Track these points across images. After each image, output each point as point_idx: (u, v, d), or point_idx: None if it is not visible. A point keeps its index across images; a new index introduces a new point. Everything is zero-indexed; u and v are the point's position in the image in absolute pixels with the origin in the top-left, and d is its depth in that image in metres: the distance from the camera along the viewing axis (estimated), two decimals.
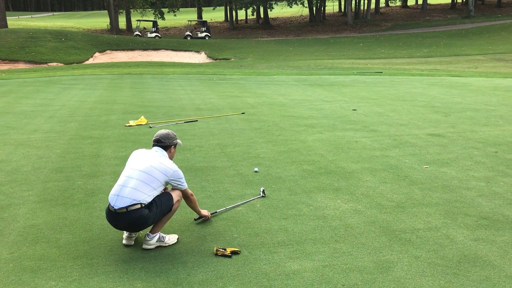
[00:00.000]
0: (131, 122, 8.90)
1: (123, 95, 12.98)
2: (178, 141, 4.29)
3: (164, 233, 4.06)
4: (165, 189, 4.13)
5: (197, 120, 9.12)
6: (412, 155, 6.65)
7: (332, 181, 5.55)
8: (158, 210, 3.89)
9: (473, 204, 4.85)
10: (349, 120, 9.03)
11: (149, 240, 3.93)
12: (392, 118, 9.19)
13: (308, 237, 4.11)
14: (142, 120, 8.99)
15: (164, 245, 3.98)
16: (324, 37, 47.23)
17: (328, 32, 52.97)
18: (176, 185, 4.06)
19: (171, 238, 4.06)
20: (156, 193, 3.91)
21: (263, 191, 5.14)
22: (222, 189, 5.31)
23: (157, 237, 3.95)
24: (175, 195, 4.06)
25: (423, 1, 64.46)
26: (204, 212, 4.43)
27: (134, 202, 3.76)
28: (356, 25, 55.19)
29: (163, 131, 4.20)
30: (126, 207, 3.75)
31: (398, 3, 70.66)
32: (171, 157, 4.20)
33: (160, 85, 15.12)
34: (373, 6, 63.28)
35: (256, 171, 5.92)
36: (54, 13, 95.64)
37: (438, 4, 70.56)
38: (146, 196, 3.82)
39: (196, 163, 6.25)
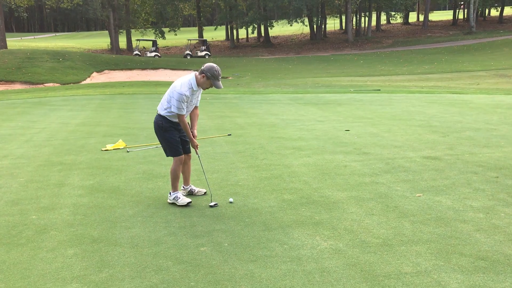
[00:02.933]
0: (108, 146, 8.39)
1: (109, 116, 12.51)
2: (216, 82, 5.07)
3: None
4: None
5: None
6: (404, 181, 6.08)
7: (313, 213, 4.98)
8: (161, 138, 5.35)
9: (469, 240, 4.27)
10: (340, 142, 8.49)
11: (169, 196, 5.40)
12: (386, 139, 8.64)
13: (277, 285, 3.54)
14: (120, 143, 8.48)
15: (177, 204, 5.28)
16: (325, 55, 46.97)
17: (329, 50, 52.75)
18: (172, 102, 5.07)
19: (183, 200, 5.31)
20: (169, 109, 5.15)
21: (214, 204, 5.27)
22: (188, 225, 4.75)
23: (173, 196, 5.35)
24: (174, 160, 5.33)
25: (424, 18, 64.34)
26: (194, 139, 5.35)
27: (158, 110, 5.31)
28: (357, 42, 54.98)
29: (210, 63, 5.08)
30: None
31: (399, 20, 70.60)
32: (199, 83, 5.10)
33: (150, 106, 14.65)
34: (374, 23, 63.22)
35: (231, 202, 5.36)
36: (57, 34, 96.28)
37: (440, 21, 70.48)
38: (162, 108, 5.24)
39: (167, 192, 5.69)
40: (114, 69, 37.19)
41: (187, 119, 5.36)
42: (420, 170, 6.55)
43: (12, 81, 30.47)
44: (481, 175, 6.27)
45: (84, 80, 32.97)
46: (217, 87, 5.15)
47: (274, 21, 61.06)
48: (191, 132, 5.37)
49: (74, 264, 3.92)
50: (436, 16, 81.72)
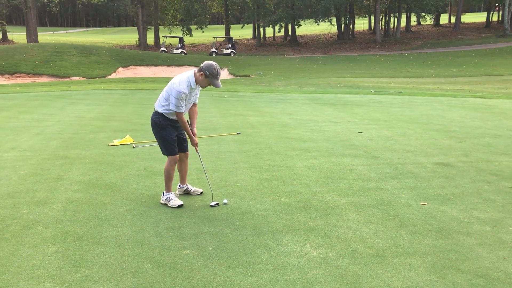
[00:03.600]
0: (115, 142, 8.33)
1: (123, 111, 12.51)
2: (214, 81, 4.92)
3: None
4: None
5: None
6: (410, 188, 5.80)
7: (308, 219, 4.77)
8: (157, 135, 5.21)
9: (470, 255, 3.99)
10: (351, 145, 8.22)
11: (162, 196, 5.25)
12: (399, 143, 8.32)
13: None
14: (127, 139, 8.41)
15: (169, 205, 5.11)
16: (351, 55, 46.34)
17: (356, 50, 52.05)
18: (171, 100, 4.94)
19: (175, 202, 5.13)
20: (166, 106, 5.01)
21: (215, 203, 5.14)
22: (176, 225, 4.60)
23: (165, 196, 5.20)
24: (168, 160, 5.20)
25: (456, 19, 62.87)
26: (194, 137, 5.24)
27: (155, 106, 5.17)
28: (385, 43, 54.08)
29: (209, 61, 4.95)
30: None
31: (430, 22, 69.08)
32: (197, 80, 4.95)
33: None
34: (403, 24, 62.09)
35: (225, 203, 5.20)
36: (88, 29, 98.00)
37: (472, 23, 68.63)
38: (160, 105, 5.09)
39: (163, 191, 5.56)
40: (139, 65, 37.51)
41: (186, 117, 5.23)
42: (429, 177, 6.25)
43: (40, 74, 31.05)
44: (494, 185, 5.93)
45: (110, 75, 33.36)
46: (216, 86, 4.99)
47: (301, 20, 60.58)
48: (191, 130, 5.22)
49: (52, 263, 3.82)
50: (469, 18, 79.61)
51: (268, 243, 4.21)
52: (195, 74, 4.98)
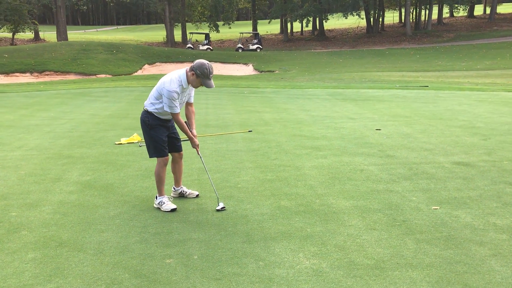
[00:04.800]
0: (122, 140, 8.17)
1: (139, 109, 12.29)
2: (206, 81, 4.63)
3: None
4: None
5: None
6: (423, 190, 5.37)
7: (306, 225, 4.44)
8: (146, 136, 4.91)
9: (480, 268, 3.58)
10: (365, 143, 7.80)
11: (155, 200, 4.98)
12: (418, 141, 7.85)
13: None
14: (135, 137, 8.23)
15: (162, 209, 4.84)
16: (380, 49, 45.28)
17: (385, 44, 50.86)
18: (164, 101, 4.66)
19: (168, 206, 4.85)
20: (157, 105, 4.74)
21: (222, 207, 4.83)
22: (165, 231, 4.34)
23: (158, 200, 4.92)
24: (157, 162, 4.92)
25: (491, 10, 60.62)
26: (194, 138, 4.92)
27: (145, 105, 4.89)
28: (416, 36, 52.63)
29: (201, 60, 4.67)
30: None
31: (463, 13, 66.87)
32: (189, 80, 4.67)
33: None
34: (435, 16, 60.33)
35: (223, 208, 4.88)
36: (118, 27, 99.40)
37: (509, 13, 66.06)
38: (149, 103, 4.82)
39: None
40: (165, 62, 37.63)
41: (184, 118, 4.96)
42: (445, 178, 5.80)
43: (67, 72, 31.52)
44: None
45: (136, 72, 33.57)
46: (208, 86, 4.68)
47: (329, 14, 59.65)
48: (190, 131, 4.93)
49: (27, 271, 3.61)
50: (506, 8, 76.71)
51: (258, 251, 3.90)
52: (186, 73, 4.70)
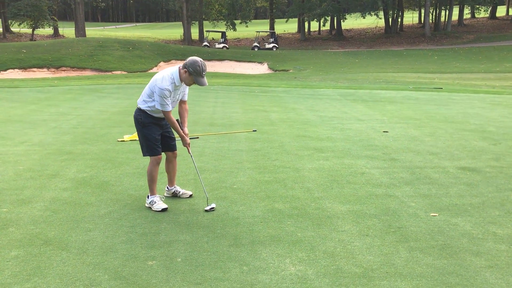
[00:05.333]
0: (125, 137, 8.14)
1: None
2: (199, 79, 4.53)
3: None
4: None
5: (198, 138, 8.17)
6: (424, 196, 5.20)
7: (297, 229, 4.31)
8: (139, 134, 4.86)
9: (474, 280, 3.42)
10: (370, 145, 7.63)
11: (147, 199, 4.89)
12: (425, 144, 7.65)
13: None
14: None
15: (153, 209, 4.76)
16: (398, 49, 44.70)
17: (403, 44, 50.20)
18: (155, 98, 4.59)
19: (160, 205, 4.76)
20: (149, 103, 4.67)
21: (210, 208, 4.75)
22: (152, 231, 4.26)
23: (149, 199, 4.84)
24: (150, 161, 4.82)
25: None
26: (185, 137, 4.82)
27: (138, 103, 4.82)
28: (435, 37, 51.82)
29: (194, 57, 4.56)
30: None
31: (484, 14, 65.65)
32: (181, 78, 4.58)
33: (195, 97, 14.38)
34: (456, 17, 59.35)
35: (211, 209, 4.78)
36: (137, 24, 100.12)
37: None
38: (142, 101, 4.76)
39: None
40: (181, 59, 37.63)
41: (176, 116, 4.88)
42: (448, 184, 5.62)
43: (83, 68, 31.77)
44: None
45: (151, 69, 33.69)
46: (200, 84, 4.59)
47: (347, 14, 59.12)
48: (182, 129, 4.85)
49: (7, 269, 3.56)
50: None
51: (244, 256, 3.79)
52: (179, 70, 4.61)
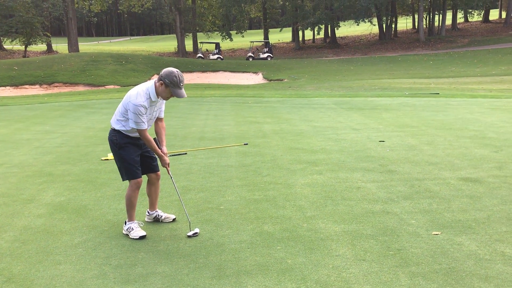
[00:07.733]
0: (109, 156, 7.75)
1: None
2: (176, 91, 4.20)
3: None
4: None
5: (186, 153, 7.80)
6: (424, 212, 4.84)
7: (288, 255, 3.93)
8: (116, 157, 4.50)
9: None
10: (366, 156, 7.27)
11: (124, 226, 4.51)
12: (423, 154, 7.30)
13: None
14: None
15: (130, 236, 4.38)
16: (392, 55, 44.56)
17: (398, 50, 50.11)
18: (129, 116, 4.24)
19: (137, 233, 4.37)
20: (124, 122, 4.31)
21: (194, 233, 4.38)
22: (128, 263, 3.87)
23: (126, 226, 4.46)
24: (129, 184, 4.44)
25: (506, 15, 59.43)
26: (164, 156, 4.45)
27: (111, 123, 4.46)
28: (429, 42, 51.75)
29: (169, 68, 4.24)
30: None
31: (477, 18, 65.74)
32: (157, 91, 4.25)
33: (186, 110, 14.06)
34: (449, 22, 59.36)
35: (195, 234, 4.41)
36: (131, 38, 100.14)
37: None
38: (116, 120, 4.39)
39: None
40: None
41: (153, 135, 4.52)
42: (449, 197, 5.25)
43: (76, 83, 31.40)
44: None
45: (144, 82, 33.39)
46: (178, 96, 4.24)
47: (340, 21, 59.09)
48: (160, 149, 4.48)
49: None
50: None
51: None
52: (155, 84, 4.26)
